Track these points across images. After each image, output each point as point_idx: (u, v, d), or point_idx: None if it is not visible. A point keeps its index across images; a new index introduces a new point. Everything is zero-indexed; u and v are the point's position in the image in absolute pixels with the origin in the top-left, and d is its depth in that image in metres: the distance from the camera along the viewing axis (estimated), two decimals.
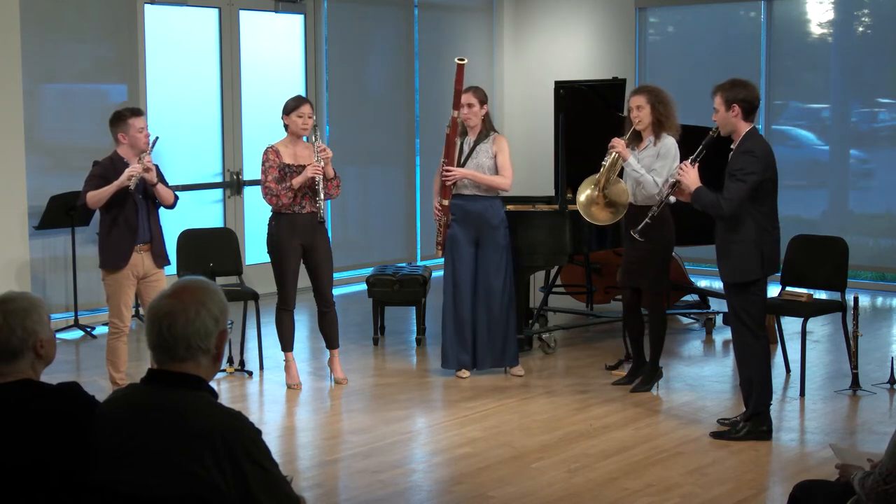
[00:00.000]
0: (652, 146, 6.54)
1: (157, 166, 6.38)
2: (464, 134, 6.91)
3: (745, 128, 5.57)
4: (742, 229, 5.56)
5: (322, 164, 6.56)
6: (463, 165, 6.84)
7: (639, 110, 6.50)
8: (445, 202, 6.86)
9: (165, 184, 6.45)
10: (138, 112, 6.37)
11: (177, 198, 6.52)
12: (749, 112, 5.55)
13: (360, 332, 8.28)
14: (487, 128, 6.89)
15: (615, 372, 7.09)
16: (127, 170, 6.21)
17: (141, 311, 7.75)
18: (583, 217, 6.93)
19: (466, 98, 6.81)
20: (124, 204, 6.25)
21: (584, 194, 6.76)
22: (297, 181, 6.54)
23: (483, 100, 6.86)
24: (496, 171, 6.82)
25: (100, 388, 6.43)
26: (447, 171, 6.79)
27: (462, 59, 6.76)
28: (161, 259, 6.43)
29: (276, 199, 6.60)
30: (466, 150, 6.87)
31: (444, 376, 7.07)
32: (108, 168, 6.30)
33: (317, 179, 6.54)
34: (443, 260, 7.07)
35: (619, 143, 6.48)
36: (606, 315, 8.58)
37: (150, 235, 6.35)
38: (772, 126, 10.71)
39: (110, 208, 6.25)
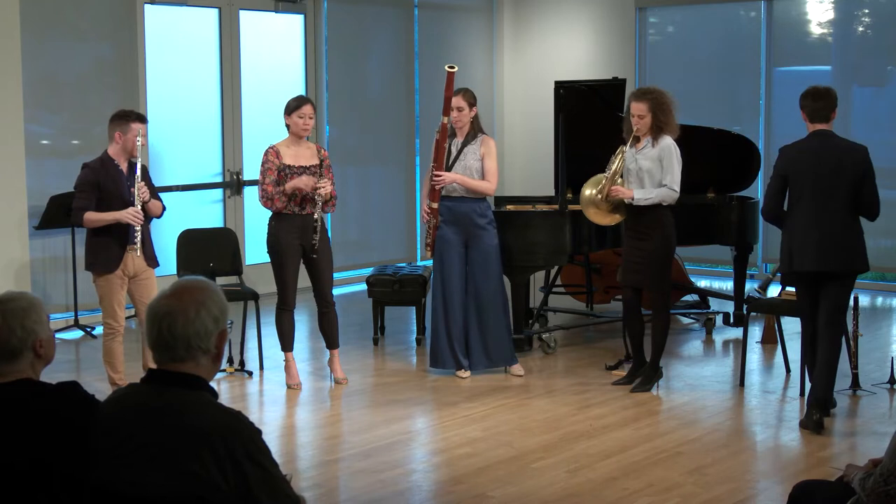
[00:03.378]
0: (650, 147, 6.56)
1: (145, 169, 6.30)
2: (452, 135, 6.93)
3: (810, 129, 5.90)
4: (782, 226, 5.96)
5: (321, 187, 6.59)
6: (451, 167, 6.87)
7: (640, 119, 6.51)
8: (434, 205, 6.89)
9: (156, 195, 6.42)
10: (142, 119, 6.31)
11: (164, 208, 6.51)
12: (811, 115, 5.86)
13: (360, 332, 8.28)
14: (476, 129, 6.91)
15: (615, 372, 7.09)
16: (130, 216, 6.11)
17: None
18: (583, 216, 6.96)
19: (456, 101, 6.83)
20: (116, 209, 6.19)
21: (587, 191, 6.77)
22: (288, 186, 6.54)
23: (472, 102, 6.87)
24: (482, 173, 6.84)
25: (99, 388, 6.42)
26: (436, 175, 6.82)
27: (452, 67, 6.77)
28: (151, 260, 6.40)
29: (271, 203, 6.60)
30: (454, 151, 6.89)
31: (445, 376, 7.07)
32: (99, 171, 6.22)
33: (320, 192, 6.54)
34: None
35: (619, 192, 6.53)
36: (606, 315, 8.59)
37: (140, 236, 6.31)
38: (772, 125, 10.72)
39: (102, 212, 6.21)
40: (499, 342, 7.00)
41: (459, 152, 6.88)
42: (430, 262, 10.40)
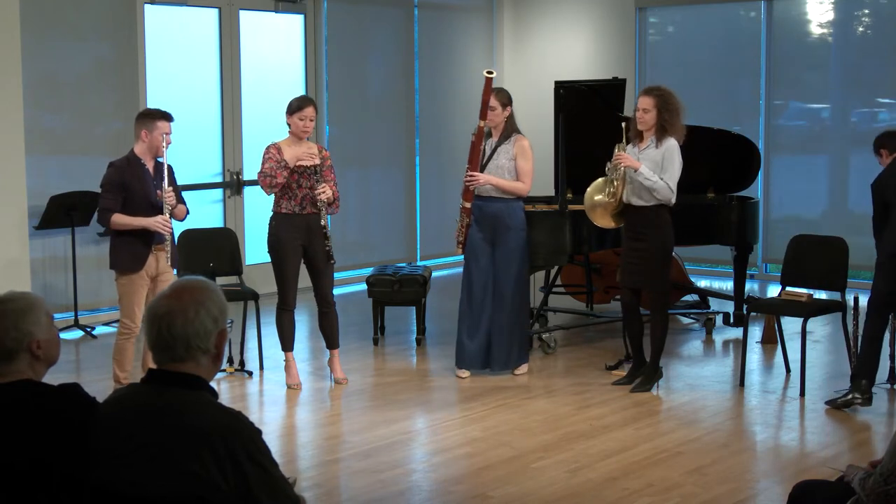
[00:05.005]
0: (654, 147, 6.55)
1: (171, 170, 6.31)
2: (488, 135, 6.95)
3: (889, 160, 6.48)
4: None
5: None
6: (484, 167, 6.88)
7: (645, 113, 6.53)
8: (467, 204, 6.89)
9: (181, 198, 6.41)
10: (168, 117, 6.26)
11: (188, 212, 6.50)
12: (893, 148, 6.47)
13: (360, 332, 8.27)
14: (510, 129, 6.90)
15: (615, 372, 7.10)
16: (159, 224, 6.11)
17: None
18: (584, 216, 6.97)
19: (490, 102, 6.84)
20: (142, 210, 6.18)
21: (596, 196, 6.73)
22: (290, 160, 6.54)
23: (506, 102, 6.89)
24: (515, 172, 6.84)
25: (100, 388, 6.41)
26: (471, 175, 6.81)
27: (491, 73, 6.77)
28: (174, 261, 6.38)
29: (271, 179, 6.56)
30: (488, 151, 6.91)
31: (444, 376, 7.07)
32: (125, 170, 6.19)
33: (319, 198, 6.54)
34: (442, 260, 7.10)
35: (625, 158, 6.48)
36: (606, 315, 8.59)
37: (164, 237, 6.30)
38: (772, 126, 10.72)
39: (127, 212, 6.15)
40: (516, 343, 7.01)
41: (493, 152, 6.89)
42: (429, 262, 10.44)
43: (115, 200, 6.14)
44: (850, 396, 6.26)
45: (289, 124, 6.68)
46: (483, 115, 6.79)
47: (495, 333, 6.99)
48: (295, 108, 6.65)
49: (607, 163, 6.68)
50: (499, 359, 7.03)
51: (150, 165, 6.25)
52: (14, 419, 2.85)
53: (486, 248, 6.94)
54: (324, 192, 6.57)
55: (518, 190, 6.88)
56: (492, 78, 6.76)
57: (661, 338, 6.71)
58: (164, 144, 6.18)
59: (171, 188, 6.22)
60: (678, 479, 5.15)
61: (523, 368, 7.11)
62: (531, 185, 6.95)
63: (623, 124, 6.78)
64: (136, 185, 6.17)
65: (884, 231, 6.38)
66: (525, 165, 6.86)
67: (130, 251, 6.19)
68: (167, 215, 6.17)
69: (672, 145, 6.52)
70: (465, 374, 7.03)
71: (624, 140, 6.65)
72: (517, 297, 6.97)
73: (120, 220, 6.14)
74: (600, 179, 6.77)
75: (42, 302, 3.05)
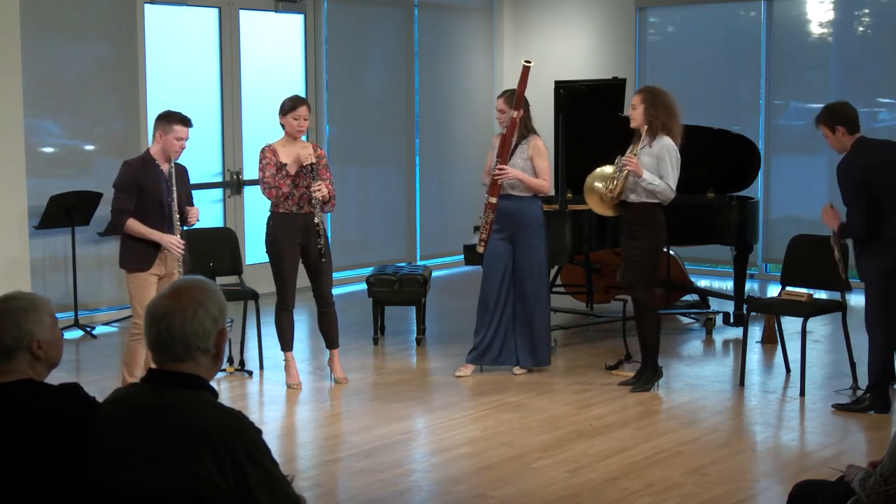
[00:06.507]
0: (648, 146, 6.55)
1: (185, 168, 6.31)
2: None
3: (850, 142, 6.07)
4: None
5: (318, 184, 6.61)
6: None
7: (633, 109, 6.55)
8: (493, 199, 6.86)
9: (191, 200, 6.41)
10: (186, 122, 6.24)
11: (198, 217, 6.51)
12: (853, 127, 6.06)
13: (360, 332, 8.27)
14: (524, 130, 6.89)
15: (616, 372, 7.09)
16: (174, 245, 6.14)
17: None
18: (584, 216, 6.96)
19: (499, 104, 6.86)
20: (153, 210, 6.19)
21: (597, 183, 6.70)
22: (291, 168, 6.55)
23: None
24: (532, 172, 6.84)
25: (100, 388, 6.40)
26: (501, 168, 6.79)
27: (528, 62, 6.74)
28: (186, 268, 6.38)
29: (276, 190, 6.59)
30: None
31: (444, 376, 7.07)
32: (139, 170, 6.19)
33: (315, 196, 6.54)
34: (442, 260, 7.09)
35: (631, 163, 6.46)
36: (606, 315, 8.59)
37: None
38: (772, 125, 10.72)
39: (138, 213, 6.16)
40: (534, 341, 7.02)
41: (510, 152, 6.89)
42: (429, 262, 10.44)
43: (130, 201, 6.15)
44: (882, 402, 6.18)
45: (283, 125, 6.69)
46: (517, 107, 6.76)
47: (527, 331, 6.99)
48: (288, 108, 6.65)
49: (618, 157, 6.66)
50: (542, 355, 7.04)
51: (164, 167, 6.25)
52: (14, 419, 2.85)
53: (505, 246, 6.94)
54: (319, 190, 6.57)
55: (542, 188, 6.89)
56: (529, 67, 6.72)
57: (655, 337, 6.70)
58: (179, 149, 6.19)
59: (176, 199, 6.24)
60: (678, 479, 5.15)
61: (519, 368, 7.10)
62: (549, 183, 6.96)
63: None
64: (151, 184, 6.18)
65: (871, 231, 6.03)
66: (543, 164, 6.87)
67: (140, 250, 6.20)
68: (179, 236, 6.18)
69: (666, 144, 6.51)
70: (464, 373, 7.03)
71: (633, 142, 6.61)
72: (536, 296, 6.96)
73: (135, 227, 6.14)
74: (607, 169, 6.71)
75: (46, 303, 3.04)
